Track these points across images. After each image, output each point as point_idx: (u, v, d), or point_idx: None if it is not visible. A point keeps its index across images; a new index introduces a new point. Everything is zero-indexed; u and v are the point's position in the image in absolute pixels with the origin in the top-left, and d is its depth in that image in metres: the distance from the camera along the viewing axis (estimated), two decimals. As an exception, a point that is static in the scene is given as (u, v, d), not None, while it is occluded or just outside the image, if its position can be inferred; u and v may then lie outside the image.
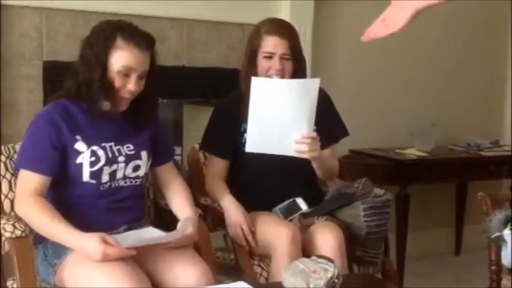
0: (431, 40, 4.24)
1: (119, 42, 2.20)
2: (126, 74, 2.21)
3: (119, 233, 2.25)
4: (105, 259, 2.05)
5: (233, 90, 2.78)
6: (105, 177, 2.25)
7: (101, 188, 2.25)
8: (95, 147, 2.23)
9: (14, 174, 2.33)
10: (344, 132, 2.87)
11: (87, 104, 2.23)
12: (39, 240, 2.28)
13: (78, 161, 2.21)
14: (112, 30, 2.22)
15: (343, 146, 3.43)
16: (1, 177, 2.34)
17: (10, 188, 2.34)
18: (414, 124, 3.94)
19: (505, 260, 2.40)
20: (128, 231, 2.28)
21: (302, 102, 2.46)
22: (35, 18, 3.01)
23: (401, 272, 3.69)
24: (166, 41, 3.24)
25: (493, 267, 2.46)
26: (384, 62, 4.09)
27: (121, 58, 2.20)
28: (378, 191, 2.65)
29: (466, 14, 4.31)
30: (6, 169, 2.35)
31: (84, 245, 2.07)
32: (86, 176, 2.22)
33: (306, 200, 2.68)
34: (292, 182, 2.70)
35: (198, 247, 2.36)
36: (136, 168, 2.32)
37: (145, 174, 2.39)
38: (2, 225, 2.17)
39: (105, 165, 2.24)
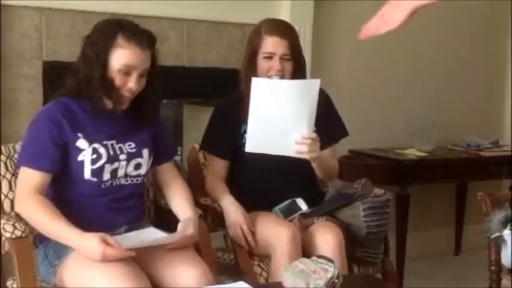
0: (431, 40, 4.24)
1: (120, 40, 2.20)
2: (126, 72, 2.21)
3: (119, 233, 2.25)
4: (105, 259, 2.04)
5: (233, 91, 2.78)
6: (106, 175, 2.25)
7: (102, 186, 2.25)
8: (96, 145, 2.23)
9: (14, 174, 2.33)
10: (344, 133, 2.87)
11: (89, 102, 2.24)
12: (40, 240, 2.28)
13: (80, 158, 2.21)
14: (113, 28, 2.22)
15: (343, 146, 3.43)
16: (1, 177, 2.34)
17: (10, 188, 2.34)
18: (414, 124, 3.94)
19: (505, 260, 2.40)
20: (128, 232, 2.28)
21: (302, 102, 2.46)
22: (35, 18, 3.01)
23: (401, 272, 3.69)
24: (166, 41, 3.24)
25: (493, 267, 2.46)
26: (384, 62, 4.09)
27: (122, 56, 2.20)
28: (378, 191, 2.65)
29: (466, 14, 4.31)
30: (7, 169, 2.35)
31: (84, 244, 2.06)
32: (87, 174, 2.22)
33: (305, 200, 2.68)
34: (292, 182, 2.70)
35: (198, 247, 2.36)
36: (138, 166, 2.32)
37: (147, 173, 2.39)
38: (2, 225, 2.17)
39: (106, 162, 2.24)
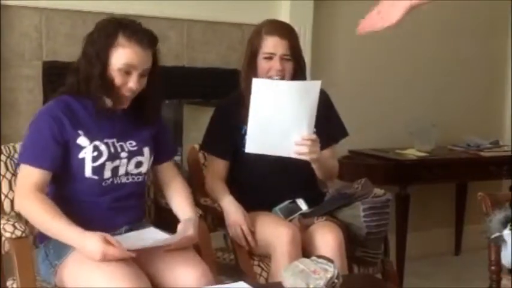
0: (431, 40, 4.24)
1: (121, 39, 2.20)
2: (127, 71, 2.21)
3: (120, 233, 2.25)
4: (105, 259, 2.04)
5: (233, 91, 2.78)
6: (107, 173, 2.24)
7: (103, 184, 2.24)
8: (97, 142, 2.23)
9: (14, 174, 2.33)
10: (344, 133, 2.87)
11: (90, 101, 2.24)
12: (41, 239, 2.28)
13: (81, 156, 2.21)
14: (114, 27, 2.22)
15: (343, 147, 3.43)
16: (1, 177, 2.34)
17: (10, 188, 2.33)
18: (414, 124, 3.94)
19: (505, 260, 2.40)
20: (129, 232, 2.28)
21: (302, 104, 2.46)
22: (35, 19, 3.01)
23: (401, 272, 3.69)
24: (166, 41, 3.24)
25: (493, 267, 2.46)
26: (384, 62, 4.09)
27: (122, 56, 2.19)
28: (378, 191, 2.65)
29: (466, 14, 4.31)
30: (7, 169, 2.35)
31: (85, 243, 2.06)
32: (88, 172, 2.21)
33: (305, 200, 2.68)
34: (292, 182, 2.70)
35: (198, 247, 2.36)
36: (139, 164, 2.32)
37: (147, 171, 2.39)
38: (2, 225, 2.17)
39: (107, 160, 2.23)
